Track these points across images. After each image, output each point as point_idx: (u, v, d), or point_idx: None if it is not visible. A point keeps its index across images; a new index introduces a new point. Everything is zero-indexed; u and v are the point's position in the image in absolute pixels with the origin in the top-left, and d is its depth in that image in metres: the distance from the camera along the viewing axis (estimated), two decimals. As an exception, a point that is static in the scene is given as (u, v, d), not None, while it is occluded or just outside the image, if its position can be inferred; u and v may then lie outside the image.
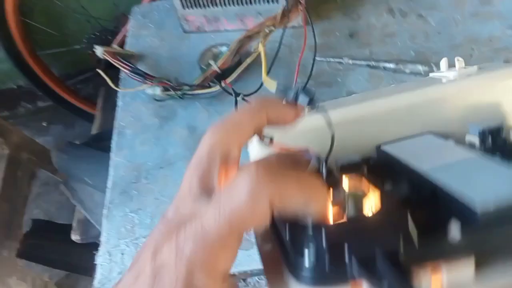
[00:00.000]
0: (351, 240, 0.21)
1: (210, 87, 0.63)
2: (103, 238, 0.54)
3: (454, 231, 0.21)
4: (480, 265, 0.22)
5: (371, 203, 0.24)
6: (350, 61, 0.66)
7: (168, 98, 0.65)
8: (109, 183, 0.59)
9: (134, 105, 0.67)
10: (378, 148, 0.35)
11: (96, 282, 0.50)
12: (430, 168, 0.27)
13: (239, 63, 0.64)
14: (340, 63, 0.66)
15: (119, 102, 0.68)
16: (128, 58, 0.68)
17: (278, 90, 0.29)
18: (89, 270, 1.20)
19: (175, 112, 0.65)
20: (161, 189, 0.57)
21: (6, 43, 1.22)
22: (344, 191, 0.25)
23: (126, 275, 0.21)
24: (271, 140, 0.27)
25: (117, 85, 0.68)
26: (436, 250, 0.21)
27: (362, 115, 0.37)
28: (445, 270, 0.21)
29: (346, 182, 0.26)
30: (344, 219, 0.23)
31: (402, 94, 0.38)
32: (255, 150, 0.34)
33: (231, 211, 0.18)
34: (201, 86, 0.63)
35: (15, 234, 1.07)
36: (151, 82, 0.62)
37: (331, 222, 0.22)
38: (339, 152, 0.31)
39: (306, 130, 0.31)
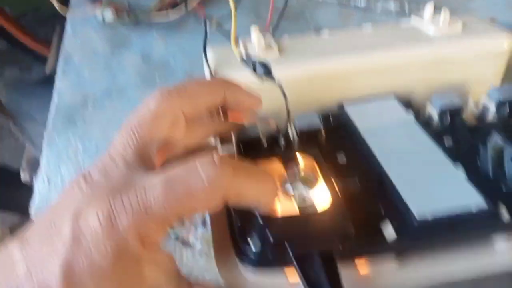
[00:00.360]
0: (292, 234, 0.23)
1: (168, 14, 0.59)
2: (42, 163, 0.50)
3: (390, 231, 0.24)
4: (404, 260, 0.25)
5: (319, 195, 0.26)
6: (319, -3, 0.63)
7: (120, 25, 0.60)
8: (52, 109, 0.54)
9: (84, 31, 0.62)
10: (340, 107, 0.36)
11: (34, 207, 0.47)
12: (383, 154, 0.29)
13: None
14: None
15: (68, 28, 0.63)
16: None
17: (242, 60, 0.31)
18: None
19: (129, 40, 0.60)
20: (109, 118, 0.53)
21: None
22: (295, 178, 0.27)
23: (34, 231, 0.19)
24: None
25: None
26: (369, 248, 0.24)
27: (330, 71, 0.37)
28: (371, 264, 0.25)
29: (300, 164, 0.28)
30: (291, 212, 0.25)
31: (375, 53, 0.37)
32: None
33: (185, 194, 0.18)
34: (159, 11, 0.58)
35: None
36: (101, 3, 0.57)
37: (278, 213, 0.24)
38: (303, 106, 0.34)
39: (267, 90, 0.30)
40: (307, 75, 0.36)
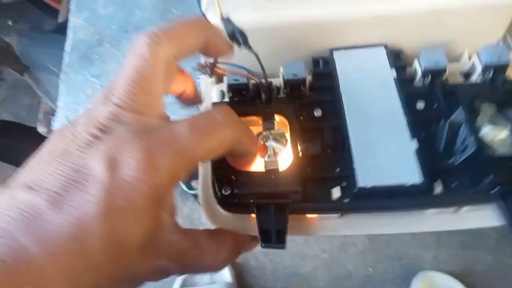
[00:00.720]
0: (254, 188, 0.28)
1: None
2: (60, 103, 0.47)
3: (336, 192, 0.29)
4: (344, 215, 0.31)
5: (284, 153, 0.30)
6: None
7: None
8: (67, 46, 0.51)
9: (97, -36, 0.57)
10: (331, 51, 0.36)
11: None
12: (352, 112, 0.32)
13: None
14: None
15: (80, -39, 0.58)
16: None
17: (223, 20, 0.30)
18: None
19: (145, -27, 0.56)
20: (126, 54, 0.50)
21: None
22: (269, 134, 0.31)
23: (47, 180, 0.18)
24: (214, 65, 0.30)
25: None
26: (316, 205, 0.30)
27: (320, 19, 0.35)
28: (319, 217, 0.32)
29: (275, 120, 0.32)
30: (258, 167, 0.29)
31: (367, 2, 0.34)
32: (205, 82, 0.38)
33: (208, 132, 0.20)
34: None
35: (-20, 132, 1.01)
36: None
37: (250, 168, 0.29)
38: (296, 52, 0.36)
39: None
40: (298, 21, 0.34)
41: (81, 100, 0.47)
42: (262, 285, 0.99)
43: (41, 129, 0.84)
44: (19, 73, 1.22)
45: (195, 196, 0.98)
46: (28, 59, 0.86)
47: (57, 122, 0.46)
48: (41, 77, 0.84)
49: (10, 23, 1.42)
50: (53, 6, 1.28)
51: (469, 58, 0.35)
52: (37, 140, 1.07)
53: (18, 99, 1.29)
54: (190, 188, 0.92)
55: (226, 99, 0.34)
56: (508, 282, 0.90)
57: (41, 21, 1.36)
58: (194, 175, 0.67)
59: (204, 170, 0.33)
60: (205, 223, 1.06)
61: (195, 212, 1.07)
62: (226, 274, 0.95)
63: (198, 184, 0.59)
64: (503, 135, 0.27)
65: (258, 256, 1.02)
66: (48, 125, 0.83)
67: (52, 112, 0.85)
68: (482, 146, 0.27)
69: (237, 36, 0.31)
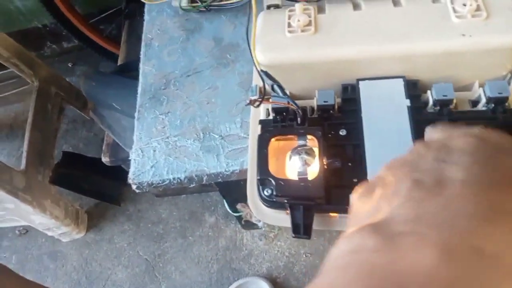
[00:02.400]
0: (289, 191, 0.39)
1: (235, -2, 0.63)
2: (135, 137, 0.56)
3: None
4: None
5: (313, 165, 0.39)
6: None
7: (193, 10, 0.65)
8: (139, 90, 0.61)
9: (160, 18, 0.68)
10: (357, 81, 0.43)
11: (130, 174, 0.54)
12: (370, 133, 0.40)
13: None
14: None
15: (146, 17, 0.69)
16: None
17: (263, 73, 0.43)
18: (116, 199, 1.26)
19: (201, 25, 0.65)
20: (189, 94, 0.59)
21: (31, -23, 1.23)
22: (302, 149, 0.40)
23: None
24: (262, 100, 0.41)
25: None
26: (336, 207, 0.39)
27: (352, 56, 0.42)
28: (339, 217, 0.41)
29: (307, 138, 0.41)
30: (292, 175, 0.40)
31: (396, 44, 0.41)
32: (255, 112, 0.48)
33: None
34: (227, -4, 0.63)
35: (47, 163, 1.13)
36: (178, -8, 0.62)
37: (288, 177, 0.40)
38: (329, 80, 0.44)
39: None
40: (331, 58, 0.42)
41: (153, 134, 0.56)
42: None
43: (105, 159, 0.94)
44: (78, 109, 1.36)
45: (239, 218, 1.05)
46: (93, 97, 0.98)
47: (134, 154, 0.55)
48: (105, 113, 0.95)
49: (70, 65, 1.59)
50: (108, 50, 1.43)
51: (482, 86, 0.41)
52: (95, 169, 1.18)
53: (76, 133, 1.43)
54: (235, 210, 0.99)
55: (271, 117, 0.44)
56: None
57: (97, 62, 1.52)
58: (240, 199, 0.75)
59: (251, 176, 0.44)
60: (247, 244, 1.12)
61: (238, 233, 1.14)
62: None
63: (242, 207, 0.71)
64: None
65: (298, 276, 1.07)
66: (111, 155, 0.93)
67: (114, 144, 0.96)
68: None
69: (276, 88, 0.41)
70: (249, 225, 1.10)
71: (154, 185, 0.53)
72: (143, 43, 0.66)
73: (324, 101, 0.43)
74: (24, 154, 1.05)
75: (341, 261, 0.21)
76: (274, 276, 1.07)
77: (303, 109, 0.43)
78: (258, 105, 0.44)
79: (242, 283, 1.03)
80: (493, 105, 0.39)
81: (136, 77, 0.89)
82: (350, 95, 0.44)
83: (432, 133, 0.32)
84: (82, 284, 1.17)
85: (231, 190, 0.88)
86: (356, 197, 0.28)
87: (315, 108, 0.44)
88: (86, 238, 1.24)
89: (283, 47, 0.43)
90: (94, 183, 1.21)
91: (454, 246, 0.19)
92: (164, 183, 0.53)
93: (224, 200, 1.00)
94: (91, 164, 1.23)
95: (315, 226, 0.40)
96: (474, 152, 0.24)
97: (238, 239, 1.15)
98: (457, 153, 0.24)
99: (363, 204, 0.26)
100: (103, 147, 0.94)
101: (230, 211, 1.14)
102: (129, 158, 0.55)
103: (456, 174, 0.22)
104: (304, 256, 1.09)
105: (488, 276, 0.18)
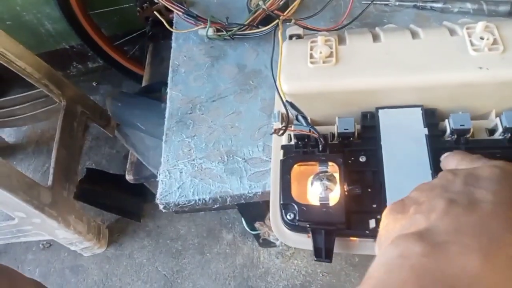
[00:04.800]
0: (310, 216, 0.41)
1: (258, 28, 0.66)
2: (163, 159, 0.59)
3: (373, 223, 0.40)
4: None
5: (334, 191, 0.41)
6: (397, 3, 0.67)
7: (218, 39, 0.69)
8: (167, 114, 0.64)
9: (187, 46, 0.72)
10: (376, 109, 0.45)
11: (158, 194, 0.56)
12: (389, 161, 0.42)
13: (286, 5, 0.67)
14: (386, 5, 0.68)
15: (173, 44, 0.73)
16: (179, 2, 0.72)
17: (288, 104, 0.45)
18: (137, 215, 1.30)
19: (225, 52, 0.69)
20: (213, 119, 0.62)
21: (61, 2, 1.30)
22: (324, 175, 0.42)
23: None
24: (286, 129, 0.44)
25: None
26: (356, 232, 0.41)
27: (371, 87, 0.44)
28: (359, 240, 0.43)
29: (328, 165, 0.43)
30: (314, 201, 0.42)
31: (413, 75, 0.43)
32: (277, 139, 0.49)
33: None
34: (251, 26, 0.66)
35: (72, 179, 1.17)
36: (205, 22, 0.66)
37: (309, 201, 0.43)
38: (349, 108, 0.47)
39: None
40: (355, 87, 0.44)
41: (179, 156, 0.59)
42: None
43: (128, 177, 0.98)
44: (102, 127, 1.41)
45: (256, 236, 1.07)
46: (118, 117, 1.02)
47: (162, 175, 0.58)
48: (129, 133, 0.99)
49: (94, 84, 1.65)
50: (131, 70, 1.49)
51: (496, 116, 0.43)
52: (118, 185, 1.22)
53: (99, 150, 1.48)
54: (253, 228, 1.01)
55: (292, 143, 0.47)
56: None
57: (120, 82, 1.57)
58: (258, 217, 0.77)
59: (273, 200, 0.46)
60: (264, 262, 1.14)
61: (255, 251, 1.16)
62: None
63: (260, 225, 0.74)
64: None
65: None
66: (135, 173, 0.97)
67: (137, 163, 0.99)
68: None
69: (300, 119, 0.44)
70: (266, 243, 1.12)
71: (181, 205, 0.56)
72: (170, 69, 0.69)
73: (345, 129, 0.45)
74: (51, 171, 1.10)
75: (391, 264, 0.24)
76: (291, 294, 1.08)
77: (324, 137, 0.46)
78: (282, 134, 0.46)
79: (259, 301, 1.04)
80: (509, 134, 0.41)
81: (159, 98, 0.93)
82: (369, 122, 0.46)
83: (450, 158, 0.35)
84: (102, 298, 1.20)
85: (250, 208, 0.90)
86: (387, 213, 0.31)
87: (336, 134, 0.46)
88: (107, 253, 1.27)
89: (305, 77, 0.45)
90: (116, 199, 1.25)
91: (494, 255, 0.23)
92: (190, 204, 0.55)
93: (242, 218, 1.02)
94: (113, 180, 1.27)
95: (335, 249, 0.42)
96: (500, 180, 0.27)
97: (255, 256, 1.16)
98: (484, 180, 0.28)
99: (395, 220, 0.29)
100: (127, 165, 0.98)
101: (248, 229, 1.16)
102: (152, 177, 0.58)
103: (486, 196, 0.26)
104: (321, 275, 1.10)
105: None
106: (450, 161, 0.36)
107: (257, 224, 0.99)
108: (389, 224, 0.30)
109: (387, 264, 0.24)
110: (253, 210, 0.91)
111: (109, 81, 1.59)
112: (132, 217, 1.27)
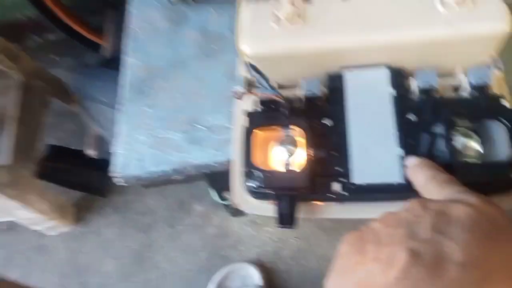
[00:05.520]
0: (275, 182, 0.40)
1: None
2: (120, 130, 0.56)
3: (337, 187, 0.39)
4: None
5: (300, 156, 0.40)
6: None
7: (180, 2, 0.65)
8: (124, 82, 0.61)
9: (146, 11, 0.67)
10: (343, 70, 0.44)
11: (115, 168, 0.54)
12: (354, 122, 0.41)
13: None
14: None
15: (132, 9, 0.68)
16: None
17: (249, 66, 0.42)
18: (103, 191, 1.26)
19: (187, 16, 0.65)
20: (174, 86, 0.59)
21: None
22: (288, 140, 0.41)
23: None
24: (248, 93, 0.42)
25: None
26: (320, 196, 0.40)
27: (338, 47, 0.43)
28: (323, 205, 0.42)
29: (293, 129, 0.41)
30: (279, 167, 0.41)
31: (381, 34, 0.42)
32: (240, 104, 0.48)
33: None
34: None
35: (32, 157, 1.12)
36: (163, -17, 0.62)
37: (274, 167, 0.41)
38: (315, 70, 0.45)
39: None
40: (321, 48, 0.43)
41: (138, 127, 0.56)
42: (290, 287, 1.04)
43: (89, 152, 0.94)
44: (64, 102, 1.34)
45: (227, 206, 1.06)
46: (79, 90, 0.97)
47: (119, 147, 0.55)
48: (90, 106, 0.94)
49: (54, 57, 1.57)
50: (94, 41, 1.41)
51: (465, 72, 0.42)
52: (81, 162, 1.17)
53: (62, 126, 1.41)
54: (223, 199, 1.00)
55: (257, 108, 0.45)
56: None
57: (83, 54, 1.50)
58: (227, 187, 0.76)
59: (236, 168, 0.44)
60: (236, 231, 1.13)
61: (226, 221, 1.15)
62: (256, 277, 1.02)
63: (229, 195, 0.72)
64: (472, 145, 0.34)
65: (286, 260, 1.08)
66: (96, 148, 0.93)
67: (99, 137, 0.95)
68: (454, 154, 0.35)
69: (262, 81, 0.42)
70: (237, 212, 1.11)
71: (140, 178, 0.53)
72: (128, 35, 0.65)
73: (310, 91, 0.44)
74: (9, 149, 1.04)
75: None
76: (263, 261, 1.09)
77: (289, 100, 0.44)
78: (244, 98, 0.44)
79: (231, 270, 1.04)
80: (475, 92, 0.40)
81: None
82: (335, 84, 0.44)
83: (419, 172, 0.34)
84: (70, 276, 1.17)
85: (218, 179, 0.89)
86: (344, 245, 0.28)
87: (301, 98, 0.45)
88: (74, 231, 1.23)
89: (269, 39, 0.43)
90: (80, 176, 1.20)
91: None
92: (150, 176, 0.53)
93: (212, 189, 1.01)
94: (77, 157, 1.22)
95: (301, 214, 0.41)
96: (473, 227, 0.24)
97: (226, 226, 1.16)
98: (456, 225, 0.24)
99: (352, 256, 0.26)
100: (89, 140, 0.93)
101: (218, 200, 1.14)
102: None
103: (456, 254, 0.22)
104: (292, 240, 1.10)
105: None
106: (419, 176, 0.34)
107: (226, 193, 0.98)
108: (345, 259, 0.27)
109: None
110: (221, 181, 0.89)
111: (71, 54, 1.50)
112: (98, 193, 1.24)
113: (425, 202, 0.27)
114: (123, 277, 1.14)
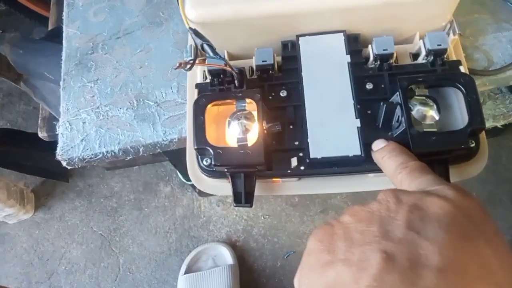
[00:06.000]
0: (228, 159, 0.36)
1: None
2: (61, 109, 0.51)
3: (294, 162, 0.37)
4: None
5: (253, 131, 0.37)
6: None
7: (121, -36, 0.59)
8: (64, 55, 0.55)
9: (84, -25, 0.61)
10: (297, 37, 0.41)
11: (58, 149, 0.49)
12: (310, 93, 0.38)
13: None
14: None
15: (68, -27, 0.61)
16: None
17: (192, 31, 0.37)
18: (63, 175, 1.19)
19: (130, -20, 0.59)
20: (119, 58, 0.54)
21: None
22: (241, 114, 0.37)
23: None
24: (195, 61, 0.36)
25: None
26: (278, 172, 0.37)
27: (291, 11, 0.39)
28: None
29: (246, 102, 0.38)
30: (232, 143, 0.38)
31: None
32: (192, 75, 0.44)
33: None
34: None
35: (-19, 142, 1.04)
36: None
37: (228, 144, 0.38)
38: (269, 38, 0.41)
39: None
40: (272, 11, 0.39)
41: (81, 104, 0.51)
42: (262, 264, 1.04)
43: (42, 134, 0.87)
44: (12, 81, 1.24)
45: (194, 186, 1.03)
46: (23, 67, 0.89)
47: (62, 127, 0.50)
48: (38, 84, 0.87)
49: (-2, 32, 1.45)
50: (41, 14, 1.31)
51: (420, 39, 0.40)
52: (37, 145, 1.10)
53: (13, 107, 1.32)
54: (189, 179, 0.96)
55: (207, 80, 0.41)
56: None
57: (30, 29, 1.39)
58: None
59: (190, 146, 0.41)
60: (205, 211, 1.11)
61: (195, 201, 1.12)
62: (227, 257, 1.00)
63: None
64: (430, 114, 0.32)
65: (257, 238, 1.07)
66: (48, 130, 0.86)
67: (50, 118, 0.88)
68: (411, 124, 0.33)
69: (206, 48, 0.37)
70: (204, 192, 1.08)
71: (86, 160, 0.49)
72: (65, 3, 0.59)
73: (263, 61, 0.40)
74: (-48, 134, 0.96)
75: None
76: (234, 240, 1.07)
77: (241, 70, 0.40)
78: (189, 68, 0.39)
79: (201, 250, 1.02)
80: (432, 57, 0.38)
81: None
82: (290, 52, 0.41)
83: (387, 158, 0.31)
84: (34, 265, 1.12)
85: (181, 158, 0.85)
86: (313, 243, 0.25)
87: (254, 68, 0.41)
88: (35, 218, 1.17)
89: (215, 1, 0.39)
90: (37, 160, 1.13)
91: None
92: (96, 157, 0.48)
93: (177, 169, 0.97)
94: (31, 140, 1.14)
95: (258, 192, 0.39)
96: (449, 225, 0.22)
97: (195, 207, 1.13)
98: (432, 223, 0.22)
99: (321, 255, 0.24)
100: (39, 122, 0.87)
101: (184, 180, 1.11)
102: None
103: (432, 258, 0.21)
104: (262, 218, 1.09)
105: None
106: (388, 162, 0.31)
107: (191, 174, 0.94)
108: (313, 255, 0.24)
109: None
110: (185, 160, 0.86)
111: (16, 28, 1.39)
112: (59, 177, 1.17)
113: (398, 194, 0.25)
114: (91, 263, 1.10)
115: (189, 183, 1.01)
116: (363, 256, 0.21)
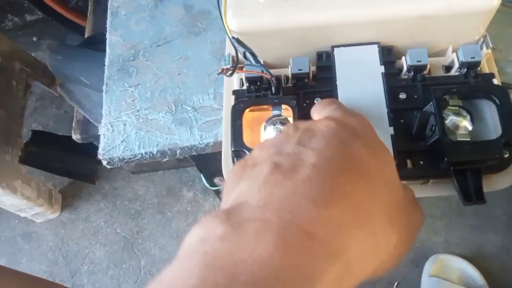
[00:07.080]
0: None
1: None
2: (104, 111, 0.54)
3: None
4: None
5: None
6: None
7: (162, -23, 0.62)
8: (107, 62, 0.58)
9: (127, -14, 0.64)
10: (332, 48, 0.42)
11: (100, 149, 0.52)
12: (343, 101, 0.35)
13: None
14: None
15: (112, -16, 0.65)
16: None
17: (234, 40, 0.39)
18: (90, 177, 1.23)
19: (171, -8, 0.62)
20: (159, 65, 0.56)
21: None
22: (277, 118, 0.38)
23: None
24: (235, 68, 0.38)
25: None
26: None
27: (324, 23, 0.40)
28: None
29: (281, 107, 0.39)
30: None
31: (366, 9, 0.39)
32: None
33: None
34: (197, -39, 0.60)
35: (15, 142, 1.08)
36: (144, -45, 0.59)
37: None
38: (304, 48, 0.43)
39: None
40: (308, 23, 0.40)
41: (122, 108, 0.54)
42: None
43: (75, 136, 0.91)
44: (46, 86, 1.30)
45: (217, 192, 1.05)
46: (60, 72, 0.93)
47: (103, 128, 0.53)
48: (73, 89, 0.91)
49: (35, 39, 1.51)
50: (75, 22, 1.36)
51: (452, 52, 0.41)
52: (68, 147, 1.14)
53: (45, 110, 1.37)
54: (213, 184, 0.98)
55: (244, 87, 0.43)
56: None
57: (64, 36, 1.44)
58: (217, 172, 0.74)
59: (225, 148, 0.42)
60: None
61: (216, 207, 1.14)
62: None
63: (220, 181, 0.69)
64: (463, 124, 0.33)
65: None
66: (82, 132, 0.90)
67: (84, 121, 0.92)
68: (445, 133, 0.34)
69: (249, 56, 0.39)
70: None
71: (126, 160, 0.51)
72: (109, 12, 0.62)
73: (299, 69, 0.42)
74: (-11, 134, 1.00)
75: (188, 251, 0.20)
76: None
77: (278, 78, 0.42)
78: (231, 74, 0.42)
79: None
80: (465, 70, 0.39)
81: (104, 50, 0.85)
82: (325, 62, 0.43)
83: (313, 110, 0.31)
84: (59, 264, 1.16)
85: (208, 164, 0.87)
86: (230, 176, 0.27)
87: (290, 76, 0.43)
88: (61, 218, 1.21)
89: (255, 13, 0.41)
90: (66, 162, 1.17)
91: (290, 233, 0.19)
92: (136, 158, 0.51)
93: (201, 175, 0.99)
94: (62, 142, 1.19)
95: None
96: (332, 136, 0.24)
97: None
98: (316, 137, 0.24)
99: (233, 185, 0.25)
100: (73, 124, 0.91)
101: (208, 186, 1.13)
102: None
103: (310, 158, 0.23)
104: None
105: (312, 261, 0.18)
106: (313, 111, 0.31)
107: (216, 180, 0.97)
108: (228, 188, 0.26)
109: (187, 249, 0.20)
110: (211, 166, 0.88)
111: (51, 35, 1.45)
112: (86, 179, 1.21)
113: (297, 123, 0.27)
114: (113, 264, 1.13)
115: (212, 188, 1.03)
116: (258, 170, 0.24)
